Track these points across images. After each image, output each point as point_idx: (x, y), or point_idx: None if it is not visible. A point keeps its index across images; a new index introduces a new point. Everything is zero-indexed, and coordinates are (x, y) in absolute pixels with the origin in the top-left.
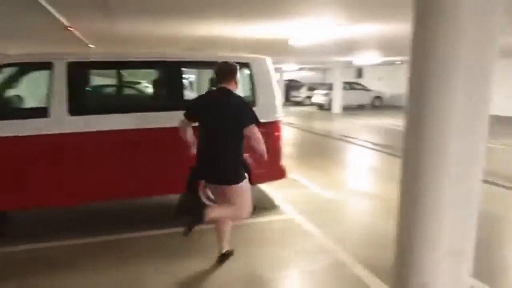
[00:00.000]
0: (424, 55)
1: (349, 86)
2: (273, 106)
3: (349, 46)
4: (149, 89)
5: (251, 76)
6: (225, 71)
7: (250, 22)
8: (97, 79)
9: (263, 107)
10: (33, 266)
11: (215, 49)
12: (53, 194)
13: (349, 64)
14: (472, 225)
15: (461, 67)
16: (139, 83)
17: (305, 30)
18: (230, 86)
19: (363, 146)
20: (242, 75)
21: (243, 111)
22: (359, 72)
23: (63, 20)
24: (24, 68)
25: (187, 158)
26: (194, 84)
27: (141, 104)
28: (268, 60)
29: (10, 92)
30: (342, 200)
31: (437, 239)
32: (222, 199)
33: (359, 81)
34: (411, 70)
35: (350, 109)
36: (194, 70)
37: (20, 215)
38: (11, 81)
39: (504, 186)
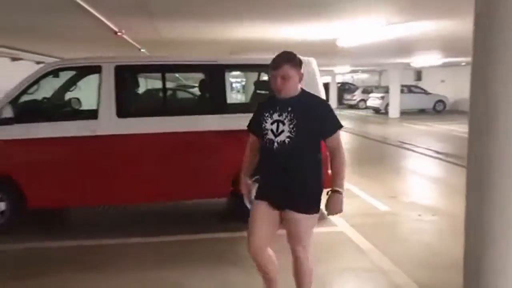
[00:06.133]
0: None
1: (408, 89)
2: None
3: (406, 47)
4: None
5: None
6: None
7: (294, 23)
8: (150, 83)
9: None
10: (74, 264)
11: (257, 53)
12: (99, 193)
13: (407, 66)
14: None
15: None
16: (193, 86)
17: (354, 30)
18: None
19: (423, 154)
20: None
21: None
22: (419, 75)
23: (111, 25)
24: (77, 71)
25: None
26: (242, 87)
27: (187, 107)
28: (314, 62)
29: (64, 95)
30: (399, 214)
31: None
32: None
33: (419, 84)
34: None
35: (409, 114)
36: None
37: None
38: (66, 84)
39: None
